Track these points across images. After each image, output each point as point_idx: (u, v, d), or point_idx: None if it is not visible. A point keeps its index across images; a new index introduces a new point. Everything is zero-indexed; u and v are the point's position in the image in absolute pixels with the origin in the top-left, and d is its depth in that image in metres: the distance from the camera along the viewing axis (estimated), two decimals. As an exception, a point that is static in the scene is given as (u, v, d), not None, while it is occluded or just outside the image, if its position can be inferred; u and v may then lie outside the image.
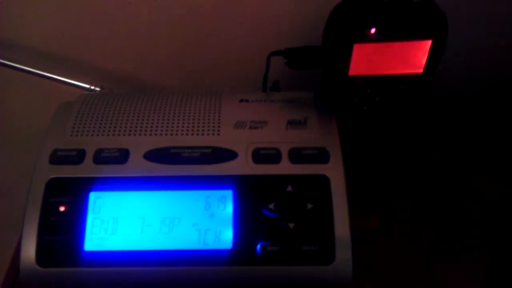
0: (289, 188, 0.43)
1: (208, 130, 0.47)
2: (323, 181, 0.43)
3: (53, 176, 0.43)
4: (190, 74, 0.66)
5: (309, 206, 0.42)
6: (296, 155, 0.44)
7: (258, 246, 0.41)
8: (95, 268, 0.41)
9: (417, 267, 0.51)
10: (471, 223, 0.54)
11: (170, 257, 0.41)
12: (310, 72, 0.51)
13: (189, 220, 0.42)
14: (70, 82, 0.59)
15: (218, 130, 0.47)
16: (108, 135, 0.46)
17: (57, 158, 0.44)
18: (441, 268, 0.51)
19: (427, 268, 0.51)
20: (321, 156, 0.44)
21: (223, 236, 0.42)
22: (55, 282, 0.41)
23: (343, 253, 0.41)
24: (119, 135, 0.46)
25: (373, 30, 0.45)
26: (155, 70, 0.65)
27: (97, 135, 0.46)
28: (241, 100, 0.50)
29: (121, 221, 0.42)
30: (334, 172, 0.44)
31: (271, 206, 0.42)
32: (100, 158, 0.44)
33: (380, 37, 0.45)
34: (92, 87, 0.58)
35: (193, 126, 0.47)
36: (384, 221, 0.55)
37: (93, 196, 0.43)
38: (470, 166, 0.60)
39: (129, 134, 0.46)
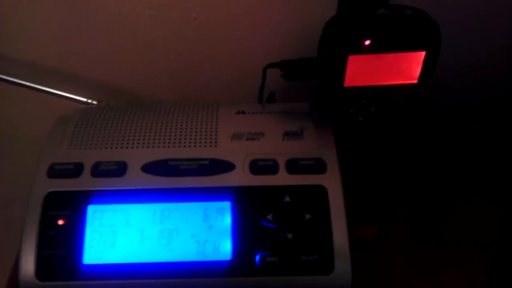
0: (287, 199, 0.43)
1: (206, 142, 0.47)
2: (321, 191, 0.43)
3: (51, 190, 0.44)
4: (186, 87, 0.66)
5: (307, 216, 0.42)
6: (293, 166, 0.45)
7: (257, 257, 0.41)
8: (95, 281, 0.41)
9: (415, 275, 0.52)
10: (469, 230, 0.55)
11: (169, 269, 0.41)
12: (305, 83, 0.51)
13: (188, 232, 0.42)
14: (68, 96, 0.59)
15: (216, 142, 0.47)
16: (105, 148, 0.47)
17: (55, 172, 0.45)
18: (440, 275, 0.51)
19: (425, 276, 0.52)
20: (318, 166, 0.45)
21: (222, 247, 0.42)
22: (54, 296, 0.41)
23: (342, 263, 0.41)
24: (116, 148, 0.47)
25: (367, 42, 0.45)
26: (152, 84, 0.65)
27: (95, 148, 0.46)
28: (238, 112, 0.50)
29: (120, 234, 0.42)
30: (331, 182, 0.44)
31: (269, 217, 0.42)
32: (98, 171, 0.45)
33: (374, 49, 0.46)
34: (89, 101, 0.58)
35: (190, 138, 0.47)
36: (381, 230, 0.55)
37: (91, 209, 0.43)
38: (466, 173, 0.61)
39: (127, 147, 0.47)
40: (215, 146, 0.47)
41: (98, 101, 0.59)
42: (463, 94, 0.67)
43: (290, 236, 0.42)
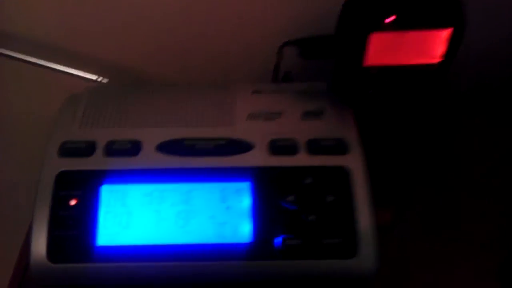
0: (308, 180, 0.42)
1: (222, 121, 0.46)
2: (343, 172, 0.42)
3: (62, 169, 0.42)
4: (197, 68, 0.64)
5: (329, 198, 0.41)
6: (314, 146, 0.43)
7: (278, 240, 0.40)
8: (108, 264, 0.40)
9: (431, 260, 0.51)
10: (487, 216, 0.54)
11: (186, 251, 0.40)
12: (321, 63, 0.50)
13: (205, 213, 0.41)
14: (77, 74, 0.57)
15: (232, 122, 0.46)
16: (119, 126, 0.45)
17: (67, 151, 0.43)
18: (455, 261, 0.50)
19: (441, 261, 0.51)
20: (339, 147, 0.43)
21: (240, 229, 0.40)
22: (67, 278, 0.40)
23: (366, 246, 0.40)
24: (130, 126, 0.45)
25: (390, 19, 0.44)
26: (162, 63, 0.64)
27: (108, 126, 0.45)
28: (254, 91, 0.49)
29: (135, 215, 0.41)
30: (353, 163, 0.43)
31: (290, 198, 0.41)
32: (112, 150, 0.43)
33: (397, 26, 0.44)
34: (99, 79, 0.57)
35: (206, 118, 0.46)
36: (398, 213, 0.54)
37: (105, 189, 0.41)
38: (486, 158, 0.59)
39: (141, 126, 0.45)
40: (232, 125, 0.45)
41: (107, 80, 0.57)
42: (481, 78, 0.65)
43: (312, 218, 0.40)
